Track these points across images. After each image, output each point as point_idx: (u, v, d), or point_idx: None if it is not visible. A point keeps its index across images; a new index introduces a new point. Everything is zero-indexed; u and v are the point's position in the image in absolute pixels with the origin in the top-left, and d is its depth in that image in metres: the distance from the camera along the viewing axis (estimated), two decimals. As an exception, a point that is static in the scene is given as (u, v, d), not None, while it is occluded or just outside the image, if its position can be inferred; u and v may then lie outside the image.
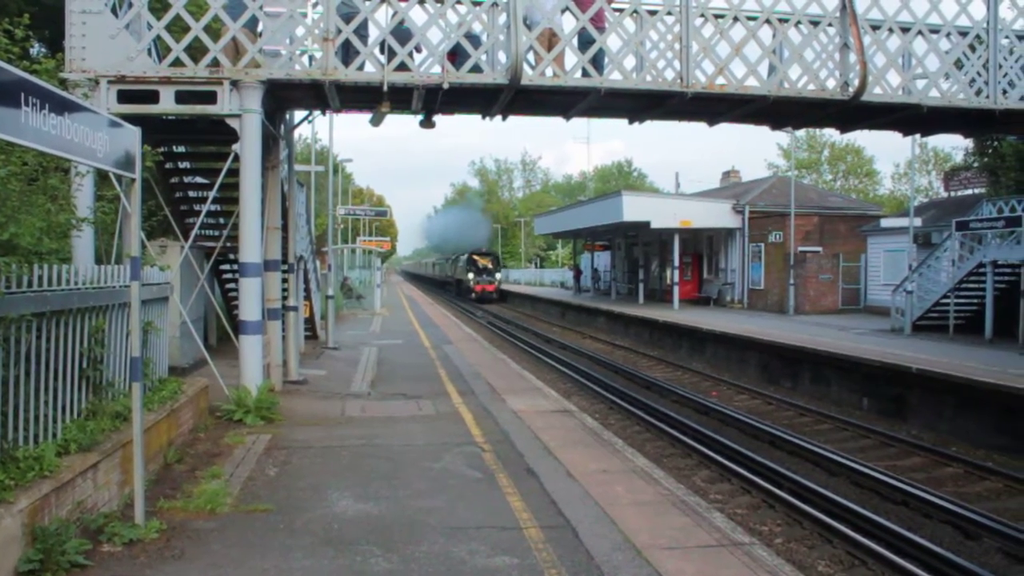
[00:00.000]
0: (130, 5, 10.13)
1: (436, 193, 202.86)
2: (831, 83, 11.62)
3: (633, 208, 31.22)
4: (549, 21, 10.89)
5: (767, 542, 7.79)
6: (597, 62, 11.02)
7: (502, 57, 10.77)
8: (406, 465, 7.83)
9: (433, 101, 11.64)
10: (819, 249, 29.57)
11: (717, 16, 11.21)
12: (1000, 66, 12.12)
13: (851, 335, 20.18)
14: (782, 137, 62.41)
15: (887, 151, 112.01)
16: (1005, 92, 12.17)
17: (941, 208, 29.59)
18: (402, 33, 10.57)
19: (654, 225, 31.42)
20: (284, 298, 13.57)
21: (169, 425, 7.70)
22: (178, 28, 10.49)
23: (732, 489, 10.17)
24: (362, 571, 5.10)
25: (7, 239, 5.58)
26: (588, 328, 33.14)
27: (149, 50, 10.28)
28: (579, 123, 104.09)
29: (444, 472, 7.59)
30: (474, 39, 10.76)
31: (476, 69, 10.67)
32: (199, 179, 14.09)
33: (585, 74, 10.96)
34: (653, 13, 11.16)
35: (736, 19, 11.27)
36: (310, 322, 19.88)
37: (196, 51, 10.24)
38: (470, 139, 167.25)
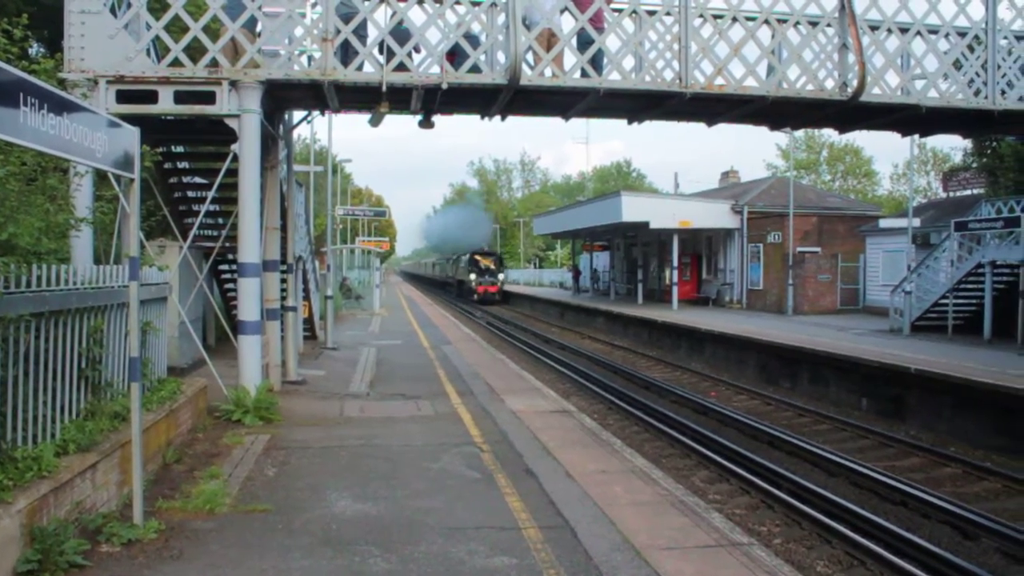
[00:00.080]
0: (129, 5, 10.13)
1: (435, 193, 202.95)
2: (830, 83, 11.63)
3: (632, 208, 31.23)
4: (548, 21, 10.89)
5: (766, 542, 7.81)
6: (596, 62, 11.02)
7: (501, 57, 10.78)
8: (405, 465, 7.83)
9: (432, 101, 11.65)
10: (818, 249, 29.60)
11: (716, 16, 11.21)
12: (999, 67, 12.13)
13: (850, 335, 20.19)
14: (781, 137, 62.43)
15: (886, 151, 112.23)
16: (1004, 92, 12.18)
17: (940, 208, 29.61)
18: (401, 33, 10.57)
19: (653, 225, 31.43)
20: (283, 298, 13.56)
21: (168, 425, 7.70)
22: (177, 28, 10.48)
23: (731, 489, 10.17)
24: (361, 571, 5.10)
25: (6, 239, 5.58)
26: (587, 328, 33.15)
27: (148, 50, 10.28)
28: (578, 123, 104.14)
29: (443, 472, 7.59)
30: (473, 39, 10.76)
31: (475, 69, 10.67)
32: (198, 179, 14.08)
33: (584, 74, 10.96)
34: (652, 13, 11.17)
35: (735, 19, 11.28)
36: (309, 322, 19.88)
37: (195, 51, 10.23)
38: (469, 139, 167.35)
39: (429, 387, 13.12)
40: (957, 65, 12.16)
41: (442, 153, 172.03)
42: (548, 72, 10.91)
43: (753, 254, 31.77)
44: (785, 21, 11.44)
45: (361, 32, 10.55)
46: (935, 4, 11.95)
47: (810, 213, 31.30)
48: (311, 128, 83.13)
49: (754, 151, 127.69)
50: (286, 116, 13.36)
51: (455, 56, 10.75)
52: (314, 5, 10.45)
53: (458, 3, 10.75)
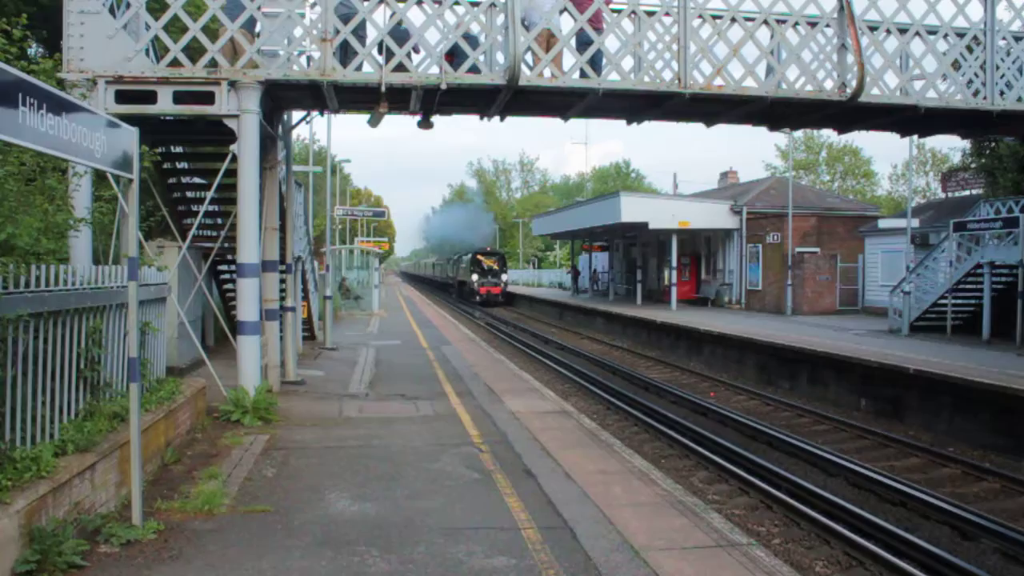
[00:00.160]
0: (128, 5, 10.12)
1: (434, 193, 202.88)
2: (829, 84, 11.63)
3: (631, 209, 31.23)
4: (547, 22, 10.89)
5: (765, 543, 7.82)
6: (595, 63, 11.02)
7: (500, 58, 10.77)
8: (404, 466, 7.83)
9: (431, 102, 11.64)
10: (817, 250, 29.62)
11: (715, 17, 11.21)
12: (997, 67, 12.14)
13: (849, 336, 20.20)
14: (780, 138, 62.55)
15: (885, 152, 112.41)
16: (1002, 93, 12.19)
17: (939, 209, 29.65)
18: (400, 34, 10.57)
19: (652, 226, 31.44)
20: (282, 299, 13.56)
21: (167, 426, 7.69)
22: (176, 28, 10.47)
23: (730, 490, 10.17)
24: (360, 572, 5.10)
25: (4, 239, 5.58)
26: (586, 329, 33.15)
27: (147, 50, 10.28)
28: (577, 124, 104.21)
29: (442, 473, 7.58)
30: (472, 40, 10.76)
31: (474, 70, 10.67)
32: (197, 179, 14.08)
33: (583, 75, 10.96)
34: (651, 14, 11.16)
35: (734, 20, 11.28)
36: (308, 323, 19.88)
37: (194, 51, 10.23)
38: (468, 140, 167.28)
39: (428, 387, 13.12)
40: (956, 66, 12.16)
41: (441, 153, 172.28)
42: (547, 72, 10.91)
43: (752, 254, 31.78)
44: (784, 21, 11.44)
45: (360, 32, 10.54)
46: (934, 5, 11.95)
47: (809, 213, 31.33)
48: (310, 128, 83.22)
49: (753, 151, 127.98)
50: (285, 116, 13.36)
51: (454, 56, 10.74)
52: (313, 5, 10.44)
53: (457, 3, 10.75)
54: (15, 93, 4.19)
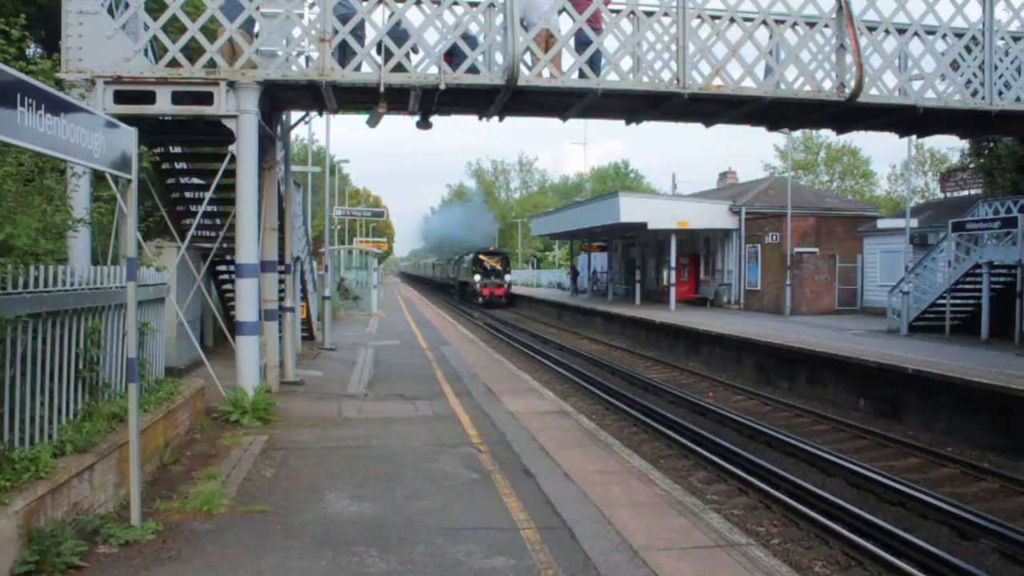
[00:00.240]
0: (127, 5, 10.12)
1: (433, 193, 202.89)
2: (827, 84, 11.64)
3: (630, 209, 31.24)
4: (546, 22, 10.89)
5: (764, 543, 7.81)
6: (594, 63, 11.03)
7: (499, 58, 10.77)
8: (403, 466, 7.82)
9: (430, 102, 11.64)
10: (816, 250, 29.63)
11: (714, 17, 11.22)
12: (996, 67, 12.15)
13: (848, 336, 20.21)
14: (779, 138, 62.59)
15: (883, 152, 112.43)
16: (1001, 93, 12.19)
17: (937, 209, 29.67)
18: (399, 34, 10.57)
19: (651, 226, 31.44)
20: (281, 299, 13.56)
21: (165, 426, 7.69)
22: (175, 29, 10.47)
23: (729, 490, 10.18)
24: (359, 572, 5.10)
25: (3, 240, 5.57)
26: (585, 329, 33.15)
27: (146, 51, 10.28)
28: (576, 124, 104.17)
29: (441, 473, 7.58)
30: (471, 40, 10.76)
31: (473, 70, 10.67)
32: (196, 180, 14.07)
33: (582, 75, 10.96)
34: (650, 14, 11.16)
35: (732, 20, 11.28)
36: (307, 323, 19.88)
37: (193, 52, 10.23)
38: (467, 140, 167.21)
39: (427, 388, 13.12)
40: (954, 66, 12.17)
41: (440, 154, 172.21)
42: (546, 73, 10.91)
43: (751, 255, 31.79)
44: (783, 22, 11.45)
45: (359, 33, 10.54)
46: (933, 5, 11.96)
47: (808, 214, 31.33)
48: (309, 129, 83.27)
49: (752, 152, 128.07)
50: (284, 117, 13.36)
51: (453, 57, 10.74)
52: (312, 6, 10.44)
53: (456, 4, 10.75)
54: (14, 93, 4.18)
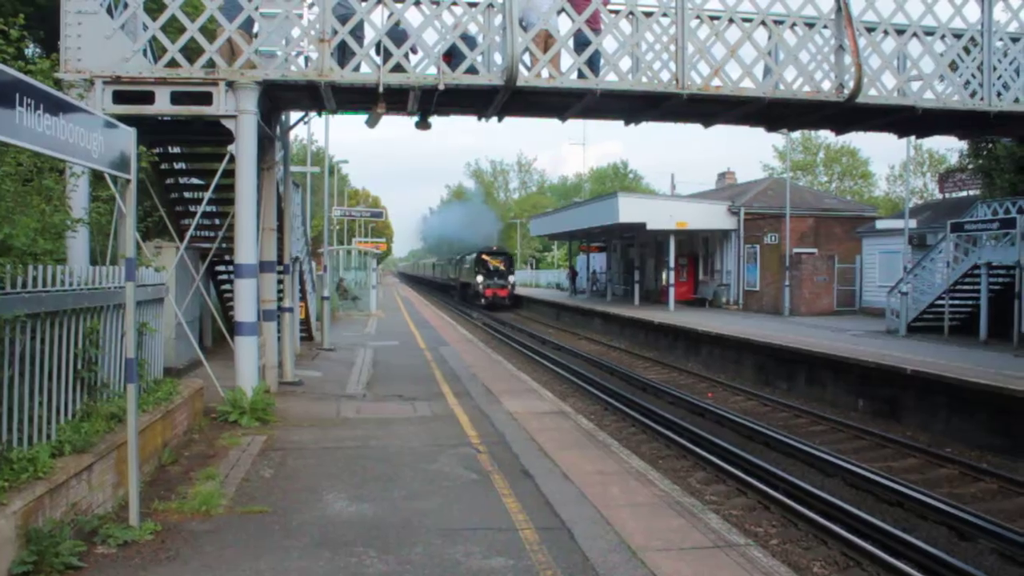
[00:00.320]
0: (126, 5, 10.11)
1: (432, 194, 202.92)
2: (826, 85, 11.64)
3: (629, 209, 31.25)
4: (545, 23, 10.89)
5: (762, 543, 7.80)
6: (593, 63, 11.02)
7: (498, 58, 10.77)
8: (402, 467, 7.82)
9: (429, 102, 11.64)
10: (814, 250, 29.64)
11: (713, 18, 11.21)
12: (994, 68, 12.15)
13: (846, 336, 20.22)
14: (778, 139, 62.61)
15: (882, 153, 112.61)
16: (999, 94, 12.20)
17: (936, 210, 29.68)
18: (398, 34, 10.57)
19: (650, 227, 31.46)
20: (279, 299, 13.56)
21: (164, 426, 7.69)
22: (174, 29, 10.46)
23: (728, 490, 10.18)
24: (358, 573, 5.10)
25: (1, 240, 5.57)
26: (584, 330, 33.15)
27: (145, 51, 10.26)
28: (575, 125, 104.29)
29: (440, 474, 7.58)
30: (470, 40, 10.76)
31: (472, 70, 10.66)
32: (195, 180, 14.06)
33: (581, 75, 10.95)
34: (649, 15, 11.16)
35: (731, 21, 11.28)
36: (305, 323, 19.86)
37: (192, 52, 10.22)
38: (466, 140, 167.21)
39: (426, 388, 13.12)
40: (953, 67, 12.18)
41: (439, 154, 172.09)
42: (545, 73, 10.91)
43: (750, 255, 31.81)
44: (782, 22, 11.45)
45: (358, 33, 10.54)
46: (931, 6, 11.96)
47: (807, 214, 31.34)
48: (308, 129, 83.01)
49: (751, 152, 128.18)
50: (283, 117, 13.35)
51: (452, 57, 10.74)
52: (311, 6, 10.44)
53: (455, 4, 10.75)
54: (12, 93, 4.18)
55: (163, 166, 12.87)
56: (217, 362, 12.17)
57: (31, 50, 14.58)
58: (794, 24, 11.49)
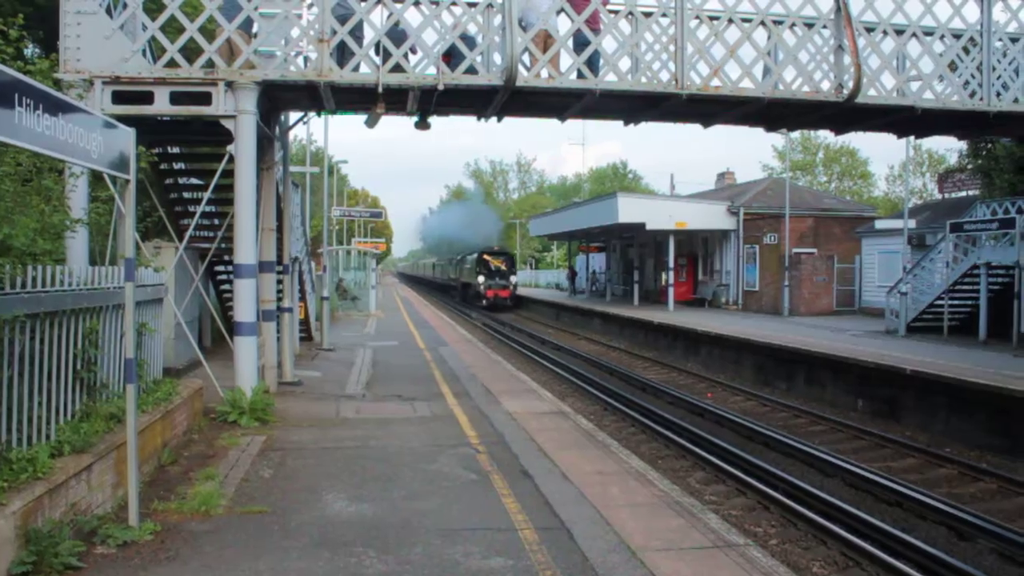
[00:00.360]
0: (125, 6, 10.11)
1: (431, 194, 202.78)
2: (826, 85, 11.64)
3: (628, 210, 31.25)
4: (544, 23, 10.88)
5: (762, 543, 7.80)
6: (592, 64, 11.02)
7: (497, 59, 10.77)
8: (401, 467, 7.82)
9: (428, 102, 11.63)
10: (814, 251, 29.64)
11: (712, 18, 11.21)
12: (994, 68, 12.15)
13: (846, 336, 20.22)
14: (777, 139, 62.69)
15: (881, 153, 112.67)
16: (999, 94, 12.20)
17: (935, 210, 29.69)
18: (397, 34, 10.57)
19: (649, 227, 31.46)
20: (279, 299, 13.55)
21: (163, 427, 7.68)
22: (173, 29, 10.45)
23: (727, 490, 10.18)
24: (357, 573, 5.10)
25: (1, 240, 5.57)
26: (583, 330, 33.15)
27: (144, 51, 10.26)
28: (574, 125, 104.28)
29: (439, 474, 7.58)
30: (469, 40, 10.76)
31: (471, 70, 10.66)
32: (194, 180, 14.05)
33: (580, 76, 10.95)
34: (648, 15, 11.15)
35: (731, 21, 11.28)
36: (305, 323, 19.86)
37: (191, 52, 10.21)
38: (465, 141, 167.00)
39: (425, 388, 13.12)
40: (952, 67, 12.18)
41: (438, 155, 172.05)
42: (544, 73, 10.91)
43: (749, 255, 31.81)
44: (781, 23, 11.44)
45: (357, 33, 10.54)
46: (931, 6, 11.96)
47: (806, 214, 31.34)
48: (307, 129, 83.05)
49: (750, 152, 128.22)
50: (282, 117, 13.35)
51: (451, 57, 10.74)
52: (310, 6, 10.43)
53: (454, 4, 10.75)
54: (11, 93, 4.18)
55: (162, 166, 12.86)
56: (216, 362, 12.16)
57: (30, 50, 14.58)
58: (793, 24, 11.49)
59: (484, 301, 45.60)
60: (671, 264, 32.36)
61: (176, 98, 10.02)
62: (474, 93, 11.21)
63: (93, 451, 5.75)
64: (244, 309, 10.49)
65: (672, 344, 24.60)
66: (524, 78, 10.66)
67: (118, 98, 9.83)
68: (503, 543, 5.63)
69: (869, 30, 11.75)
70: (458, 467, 7.83)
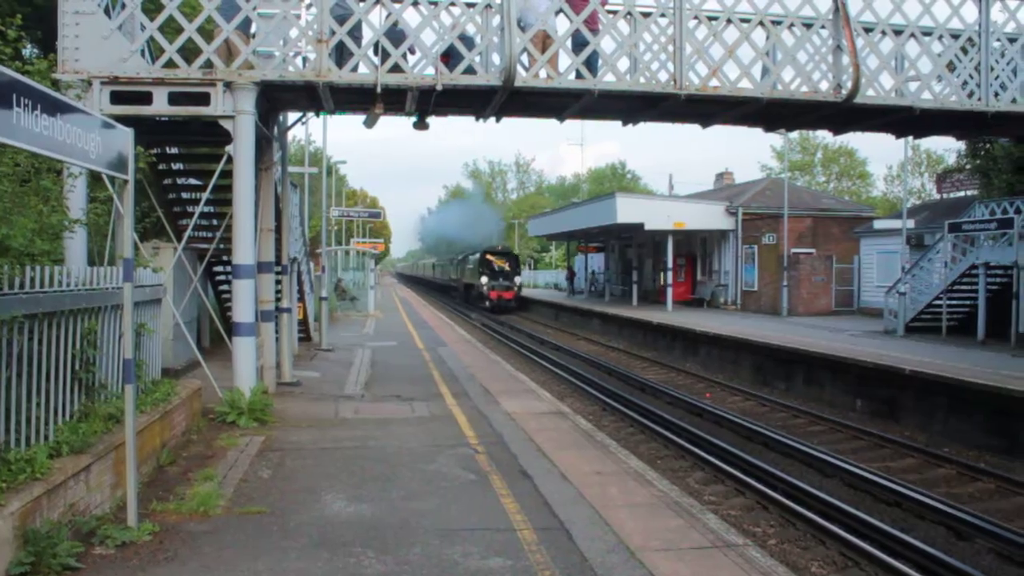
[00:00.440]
0: (123, 6, 10.10)
1: (430, 194, 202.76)
2: (824, 85, 11.65)
3: (627, 210, 31.26)
4: (543, 23, 10.89)
5: (761, 543, 7.80)
6: (591, 64, 11.02)
7: (496, 59, 10.77)
8: (400, 467, 7.82)
9: (427, 103, 11.63)
10: (812, 251, 29.65)
11: (711, 18, 11.22)
12: (992, 69, 12.16)
13: (844, 336, 20.23)
14: (775, 139, 62.66)
15: (880, 153, 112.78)
16: (997, 95, 12.21)
17: (934, 210, 29.71)
18: (396, 35, 10.57)
19: (648, 227, 31.46)
20: (278, 300, 13.55)
21: (162, 427, 7.68)
22: (171, 29, 10.45)
23: (726, 491, 10.18)
24: (356, 573, 5.09)
25: (-1, 240, 5.57)
26: (582, 330, 33.15)
27: (142, 51, 10.24)
28: (573, 125, 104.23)
29: (438, 474, 7.58)
30: (468, 41, 10.76)
31: (470, 71, 10.66)
32: (192, 180, 14.04)
33: (579, 76, 10.95)
34: (647, 15, 11.15)
35: (729, 21, 11.28)
36: (304, 324, 19.85)
37: (189, 52, 10.21)
38: (464, 141, 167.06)
39: (424, 389, 13.11)
40: (951, 67, 12.19)
41: (437, 155, 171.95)
42: (543, 74, 10.91)
43: (748, 255, 31.83)
44: (780, 23, 11.45)
45: (356, 33, 10.53)
46: (929, 6, 11.97)
47: (805, 215, 31.36)
48: (306, 129, 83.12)
49: (749, 153, 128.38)
50: (281, 117, 13.34)
51: (450, 57, 10.74)
52: (309, 6, 10.43)
53: (453, 4, 10.75)
54: (10, 94, 4.18)
55: (161, 166, 12.85)
56: (215, 363, 12.16)
57: (28, 50, 14.57)
58: (792, 24, 11.49)
59: (487, 303, 44.06)
60: (670, 264, 32.37)
61: (174, 98, 10.01)
62: (472, 93, 11.21)
63: (91, 452, 5.74)
64: (243, 309, 10.49)
65: (671, 344, 24.60)
66: (523, 78, 10.67)
67: (116, 98, 9.82)
68: (502, 543, 5.63)
69: (867, 30, 11.76)
70: (457, 467, 7.83)
